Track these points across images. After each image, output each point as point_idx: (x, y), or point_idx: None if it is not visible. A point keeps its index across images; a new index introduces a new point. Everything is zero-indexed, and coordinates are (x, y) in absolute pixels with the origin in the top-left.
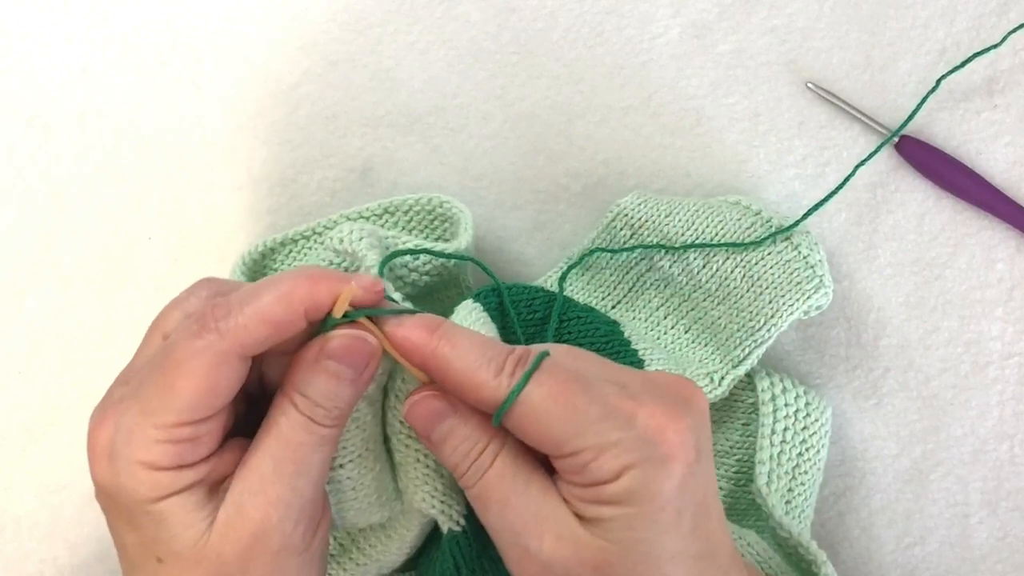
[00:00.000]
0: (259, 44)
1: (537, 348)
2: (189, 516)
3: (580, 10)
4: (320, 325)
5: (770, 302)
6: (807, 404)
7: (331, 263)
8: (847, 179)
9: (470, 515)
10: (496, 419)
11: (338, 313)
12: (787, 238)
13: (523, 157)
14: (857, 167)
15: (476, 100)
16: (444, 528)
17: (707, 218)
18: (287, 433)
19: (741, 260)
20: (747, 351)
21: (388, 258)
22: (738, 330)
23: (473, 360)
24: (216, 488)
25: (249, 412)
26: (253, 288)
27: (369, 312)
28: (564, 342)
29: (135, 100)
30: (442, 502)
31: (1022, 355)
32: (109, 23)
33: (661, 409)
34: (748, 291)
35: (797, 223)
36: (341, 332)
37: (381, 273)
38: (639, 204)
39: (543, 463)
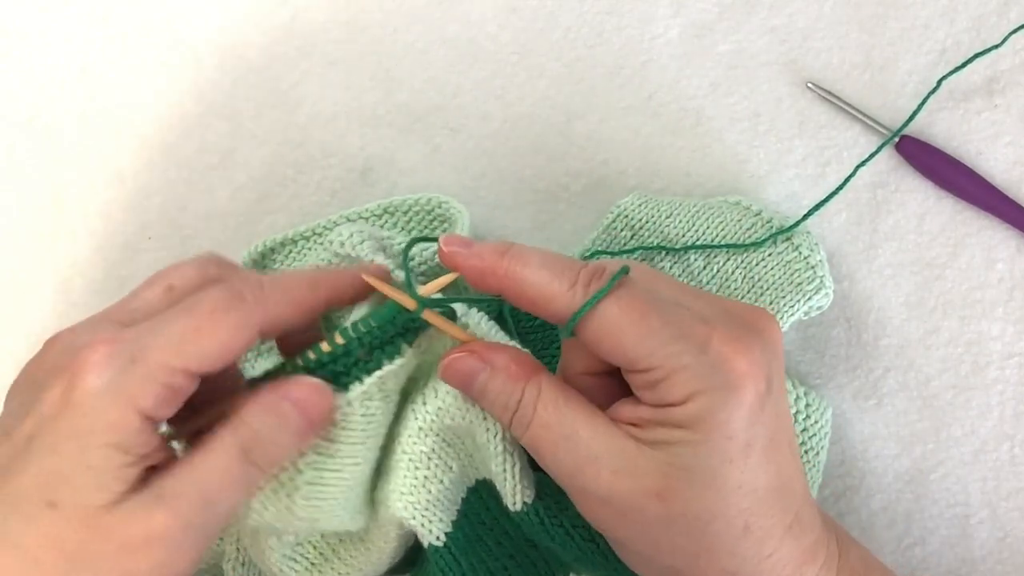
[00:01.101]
0: (259, 44)
1: (616, 263)
2: (112, 480)
3: (580, 10)
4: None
5: (771, 303)
6: (807, 405)
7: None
8: (847, 180)
9: (454, 532)
10: (568, 329)
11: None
12: (788, 239)
13: (523, 157)
14: (858, 167)
15: (476, 100)
16: (424, 543)
17: (708, 219)
18: (220, 460)
19: (742, 261)
20: None
21: (408, 249)
22: None
23: (546, 275)
24: (143, 475)
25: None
26: (280, 274)
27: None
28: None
29: (135, 100)
30: (423, 515)
31: (1022, 355)
32: (109, 23)
33: (734, 337)
34: (749, 292)
35: (797, 224)
36: (305, 380)
37: (407, 269)
38: (640, 205)
39: (592, 396)
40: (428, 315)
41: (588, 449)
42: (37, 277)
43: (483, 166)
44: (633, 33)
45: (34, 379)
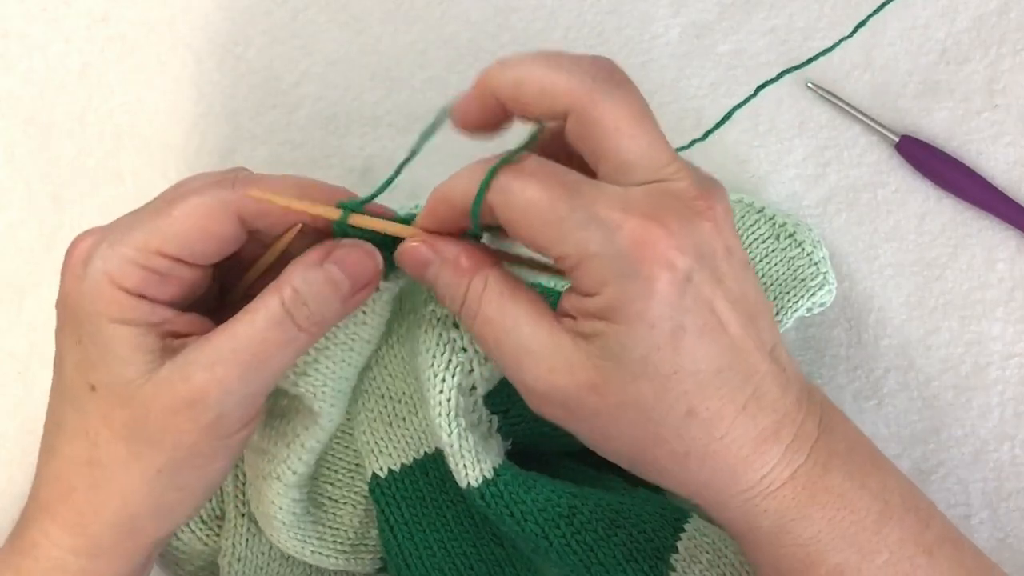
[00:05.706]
0: (259, 44)
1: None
2: (133, 353)
3: (580, 10)
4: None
5: (775, 298)
6: None
7: None
8: (749, 98)
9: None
10: (474, 221)
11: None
12: (791, 235)
13: None
14: (759, 88)
15: None
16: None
17: None
18: (260, 323)
19: None
20: None
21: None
22: None
23: (449, 182)
24: (168, 343)
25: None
26: (278, 176)
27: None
28: None
29: (135, 100)
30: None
31: (1023, 355)
32: (109, 23)
33: (653, 222)
34: None
35: (709, 133)
36: (353, 242)
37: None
38: None
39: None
40: (358, 219)
41: (528, 344)
42: (37, 277)
43: None
44: (633, 33)
45: None
